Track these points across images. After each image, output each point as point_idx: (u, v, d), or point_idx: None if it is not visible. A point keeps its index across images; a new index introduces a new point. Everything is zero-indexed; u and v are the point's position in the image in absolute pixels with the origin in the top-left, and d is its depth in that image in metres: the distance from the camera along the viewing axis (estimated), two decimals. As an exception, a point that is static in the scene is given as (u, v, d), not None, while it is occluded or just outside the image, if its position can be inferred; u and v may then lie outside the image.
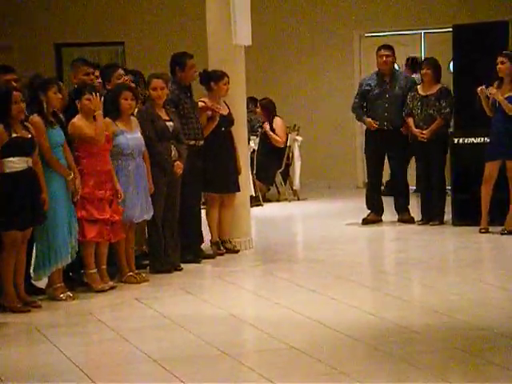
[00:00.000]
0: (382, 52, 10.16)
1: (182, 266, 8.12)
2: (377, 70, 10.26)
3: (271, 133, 12.37)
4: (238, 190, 8.79)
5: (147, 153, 7.80)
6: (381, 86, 10.14)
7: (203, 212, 8.78)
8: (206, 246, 8.71)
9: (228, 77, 8.60)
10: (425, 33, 13.52)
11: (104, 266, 7.47)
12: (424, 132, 9.86)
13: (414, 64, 12.21)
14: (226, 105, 8.72)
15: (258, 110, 12.54)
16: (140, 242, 8.30)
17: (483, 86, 9.20)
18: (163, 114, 8.05)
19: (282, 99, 12.97)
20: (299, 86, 13.89)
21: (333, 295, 6.98)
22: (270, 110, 12.47)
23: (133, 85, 8.11)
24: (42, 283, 7.28)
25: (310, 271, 8.10)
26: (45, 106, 6.99)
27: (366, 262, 8.58)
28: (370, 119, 10.13)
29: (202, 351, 5.73)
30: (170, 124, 8.04)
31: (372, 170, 10.38)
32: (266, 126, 12.41)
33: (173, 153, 8.01)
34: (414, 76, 11.06)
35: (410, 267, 8.19)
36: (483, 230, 9.33)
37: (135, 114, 7.90)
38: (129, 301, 7.12)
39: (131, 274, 7.70)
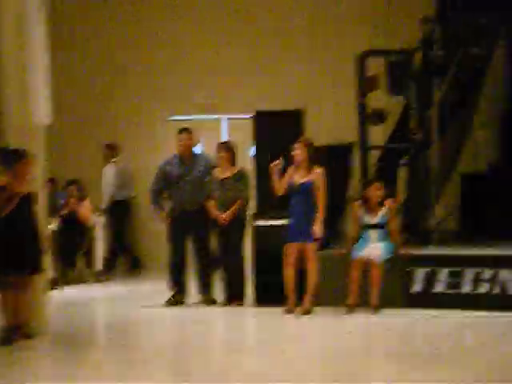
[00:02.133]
0: (181, 136, 10.31)
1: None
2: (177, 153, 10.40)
3: (80, 209, 12.25)
4: (39, 272, 8.51)
5: None
6: (181, 169, 10.25)
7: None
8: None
9: (29, 156, 8.39)
10: (227, 118, 13.83)
11: None
12: (224, 215, 9.98)
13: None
14: (29, 184, 8.46)
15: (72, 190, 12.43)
16: None
17: (278, 161, 9.45)
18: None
19: (88, 181, 12.86)
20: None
21: (132, 380, 6.81)
22: (81, 190, 12.43)
23: None
24: None
25: (110, 356, 7.90)
26: None
27: (166, 346, 8.46)
28: (162, 214, 10.22)
29: None
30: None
31: (175, 250, 10.36)
32: (75, 207, 12.26)
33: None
34: None
35: (211, 350, 8.17)
36: (288, 311, 9.48)
37: None
38: None
39: None
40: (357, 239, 9.75)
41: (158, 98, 14.01)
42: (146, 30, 14.20)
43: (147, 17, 14.22)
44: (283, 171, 9.54)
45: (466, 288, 9.49)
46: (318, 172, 9.53)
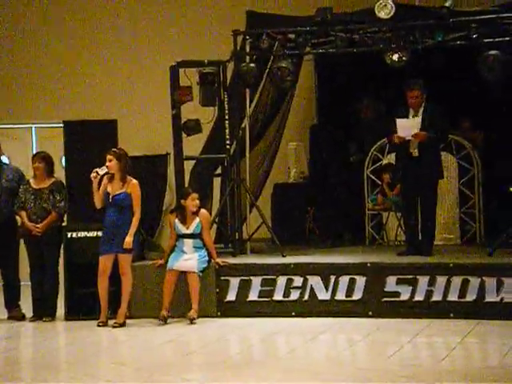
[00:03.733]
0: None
1: None
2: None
3: None
4: None
5: None
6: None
7: None
8: None
9: None
10: (35, 127, 13.53)
11: None
12: (38, 226, 9.76)
13: None
14: None
15: None
16: None
17: (98, 169, 9.32)
18: None
19: None
20: None
21: None
22: None
23: None
24: None
25: None
26: None
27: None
28: None
29: None
30: None
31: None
32: None
33: None
34: None
35: (20, 367, 7.95)
36: (101, 324, 9.38)
37: None
38: None
39: None
40: (173, 249, 9.76)
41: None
42: None
43: None
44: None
45: (278, 296, 9.69)
46: (133, 183, 9.48)
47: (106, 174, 9.41)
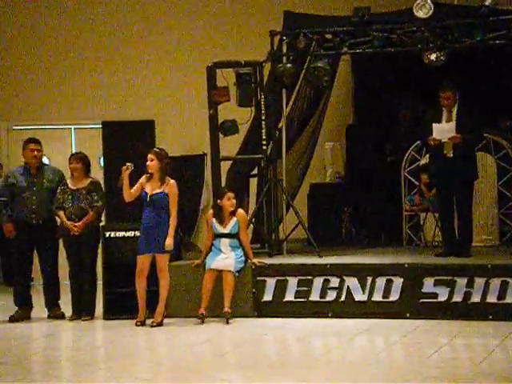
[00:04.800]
0: (31, 146, 10.08)
1: None
2: (24, 163, 10.16)
3: None
4: None
5: None
6: (28, 179, 10.01)
7: None
8: None
9: None
10: (74, 128, 13.64)
11: None
12: (77, 225, 9.83)
13: None
14: None
15: None
16: None
17: (128, 164, 9.35)
18: None
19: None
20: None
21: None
22: None
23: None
24: None
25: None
26: None
27: (12, 362, 8.20)
28: (8, 227, 9.93)
29: None
30: None
31: (19, 264, 10.05)
32: None
33: None
34: None
35: (59, 365, 8.01)
36: (139, 323, 9.43)
37: None
38: None
39: None
40: (210, 248, 9.79)
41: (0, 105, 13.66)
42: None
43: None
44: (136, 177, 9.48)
45: (315, 296, 9.67)
46: (171, 183, 9.51)
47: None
